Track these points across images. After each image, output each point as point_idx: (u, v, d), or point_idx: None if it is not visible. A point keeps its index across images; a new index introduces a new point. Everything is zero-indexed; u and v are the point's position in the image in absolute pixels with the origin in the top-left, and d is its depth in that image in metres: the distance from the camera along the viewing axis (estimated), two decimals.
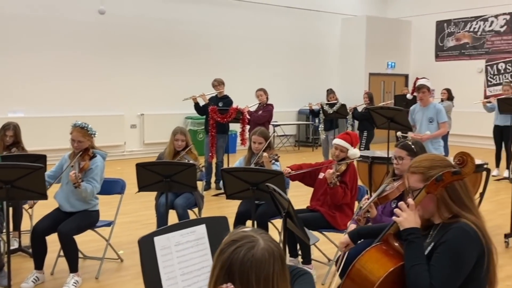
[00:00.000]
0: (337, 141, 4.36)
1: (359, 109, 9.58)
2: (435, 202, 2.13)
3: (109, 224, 4.62)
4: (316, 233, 4.43)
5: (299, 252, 4.42)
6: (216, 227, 2.46)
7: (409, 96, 9.80)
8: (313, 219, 4.28)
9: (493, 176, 9.09)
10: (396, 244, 2.20)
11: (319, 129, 9.75)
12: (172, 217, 4.66)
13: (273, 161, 4.57)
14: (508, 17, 13.50)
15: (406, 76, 15.61)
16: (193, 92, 8.38)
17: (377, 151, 7.33)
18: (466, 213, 2.09)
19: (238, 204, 4.75)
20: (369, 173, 5.93)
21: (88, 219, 4.37)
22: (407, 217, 2.10)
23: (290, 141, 13.83)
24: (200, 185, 5.18)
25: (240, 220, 4.61)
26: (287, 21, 13.92)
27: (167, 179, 4.24)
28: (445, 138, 9.53)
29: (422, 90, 6.30)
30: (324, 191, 4.26)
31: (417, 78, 7.94)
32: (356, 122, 9.93)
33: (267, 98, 8.20)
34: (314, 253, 4.65)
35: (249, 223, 4.37)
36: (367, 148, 9.08)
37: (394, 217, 2.17)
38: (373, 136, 9.26)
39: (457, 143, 13.00)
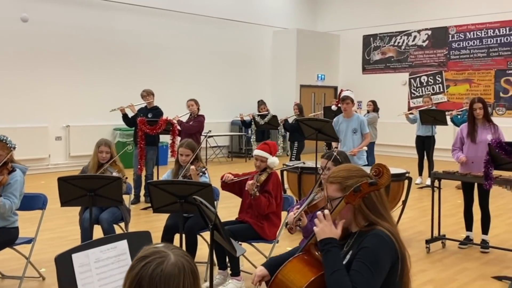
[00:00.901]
0: (257, 152, 4.41)
1: (290, 120, 9.74)
2: (352, 211, 2.21)
3: (29, 241, 4.40)
4: (245, 244, 4.46)
5: (228, 264, 4.40)
6: (138, 242, 2.42)
7: (334, 107, 10.09)
8: (242, 230, 4.29)
9: (416, 184, 9.54)
10: (318, 253, 2.24)
11: (251, 140, 9.83)
12: (98, 232, 4.50)
13: (201, 173, 4.53)
14: (429, 32, 14.28)
15: (335, 88, 16.10)
16: (121, 103, 8.19)
17: (308, 161, 7.47)
18: (382, 221, 2.17)
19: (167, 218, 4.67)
20: (299, 183, 6.02)
21: (7, 236, 4.17)
22: (323, 228, 2.15)
23: (223, 152, 13.84)
24: (126, 198, 5.05)
25: (168, 233, 4.53)
26: (220, 32, 13.98)
27: (91, 193, 4.10)
28: (371, 148, 9.90)
29: (346, 101, 6.48)
30: (251, 202, 4.29)
31: (342, 90, 8.18)
32: (288, 133, 10.09)
33: (198, 108, 8.16)
34: (244, 265, 4.65)
35: (178, 236, 4.30)
36: (297, 158, 9.23)
37: (314, 228, 2.21)
38: (303, 147, 9.44)
39: (383, 153, 13.54)
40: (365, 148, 6.42)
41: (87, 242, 2.32)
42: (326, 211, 2.19)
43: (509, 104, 12.88)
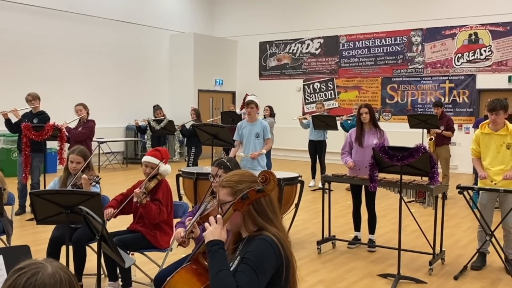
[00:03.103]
0: (146, 158, 4.27)
1: (188, 125, 9.64)
2: (242, 217, 2.24)
3: None
4: (138, 254, 4.31)
5: (120, 276, 4.22)
6: (16, 256, 2.32)
7: (238, 111, 10.16)
8: (134, 240, 4.14)
9: (310, 187, 9.87)
10: (206, 262, 2.23)
11: (147, 146, 9.58)
12: None
13: (93, 183, 4.30)
14: (322, 40, 14.90)
15: (233, 93, 16.24)
16: (4, 107, 7.60)
17: (206, 166, 7.43)
18: (270, 226, 2.22)
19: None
20: (194, 189, 5.94)
21: None
22: (213, 230, 2.16)
23: (118, 158, 13.35)
24: (8, 209, 4.67)
25: (54, 245, 4.26)
26: (114, 35, 13.52)
27: None
28: (268, 152, 10.08)
29: (250, 105, 6.50)
30: (142, 211, 4.15)
31: (247, 94, 8.26)
32: (185, 139, 9.97)
33: (87, 113, 7.79)
34: (137, 275, 4.49)
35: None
36: (195, 164, 9.16)
37: (203, 233, 2.19)
38: (201, 152, 9.38)
39: (279, 157, 13.90)
40: (264, 151, 6.49)
41: None
42: (219, 216, 2.20)
43: (394, 110, 13.80)
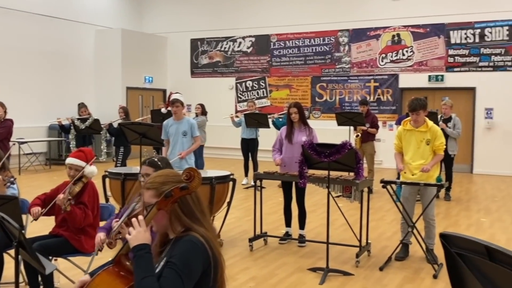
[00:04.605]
0: (70, 160, 4.07)
1: (115, 124, 9.36)
2: (168, 217, 2.18)
3: None
4: (61, 259, 4.12)
5: (41, 282, 4.01)
6: None
7: (163, 110, 9.97)
8: (57, 245, 3.95)
9: (243, 184, 9.91)
10: (128, 263, 2.19)
11: (71, 146, 9.21)
12: None
13: (9, 184, 4.07)
14: (253, 39, 14.98)
15: (164, 91, 15.98)
16: None
17: (134, 167, 7.24)
18: (197, 226, 2.17)
19: None
20: (122, 190, 5.77)
21: None
22: (137, 235, 2.09)
23: (40, 159, 12.70)
24: None
25: None
26: (36, 29, 12.88)
27: None
28: (200, 151, 10.01)
29: (175, 104, 6.43)
30: (65, 215, 3.96)
31: (171, 93, 8.12)
32: (113, 138, 9.67)
33: (5, 112, 7.36)
34: (60, 281, 4.29)
35: None
36: (123, 164, 8.90)
37: (126, 236, 2.12)
38: (130, 152, 9.14)
39: (212, 155, 13.83)
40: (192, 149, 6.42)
41: None
42: (141, 217, 2.13)
43: (324, 108, 14.13)
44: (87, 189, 4.04)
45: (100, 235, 3.29)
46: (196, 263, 2.07)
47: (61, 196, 3.84)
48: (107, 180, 6.08)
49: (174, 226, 2.18)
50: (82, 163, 4.02)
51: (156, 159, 3.58)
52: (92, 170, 4.06)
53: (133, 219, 2.14)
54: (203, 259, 2.09)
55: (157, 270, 2.07)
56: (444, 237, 1.33)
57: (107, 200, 6.18)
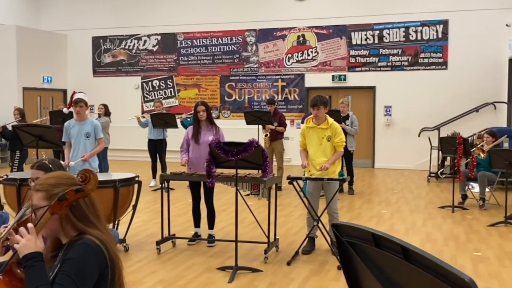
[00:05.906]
0: None
1: (10, 127, 8.74)
2: (59, 221, 2.07)
3: None
4: None
5: None
6: None
7: (65, 110, 9.49)
8: None
9: (151, 187, 9.66)
10: (20, 271, 2.08)
11: None
12: None
13: None
14: (159, 37, 14.68)
15: (64, 91, 15.20)
16: None
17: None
18: (91, 229, 2.08)
19: None
20: (18, 196, 5.38)
21: None
22: (26, 243, 1.97)
23: None
24: None
25: None
26: None
27: None
28: (104, 153, 9.62)
29: (79, 104, 6.18)
30: None
31: (74, 92, 7.75)
32: (8, 142, 9.04)
33: None
34: None
35: None
36: (20, 169, 8.34)
37: (15, 245, 1.97)
38: (27, 156, 8.58)
39: (118, 158, 13.38)
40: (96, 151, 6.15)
41: None
42: (30, 225, 2.01)
43: (233, 107, 14.17)
44: None
45: None
46: (91, 267, 1.99)
47: None
48: (1, 186, 5.65)
49: (66, 230, 2.08)
50: None
51: (46, 162, 3.37)
52: None
53: (21, 228, 1.99)
54: (99, 262, 2.01)
55: (51, 277, 1.96)
56: (335, 226, 1.36)
57: (1, 207, 5.74)
